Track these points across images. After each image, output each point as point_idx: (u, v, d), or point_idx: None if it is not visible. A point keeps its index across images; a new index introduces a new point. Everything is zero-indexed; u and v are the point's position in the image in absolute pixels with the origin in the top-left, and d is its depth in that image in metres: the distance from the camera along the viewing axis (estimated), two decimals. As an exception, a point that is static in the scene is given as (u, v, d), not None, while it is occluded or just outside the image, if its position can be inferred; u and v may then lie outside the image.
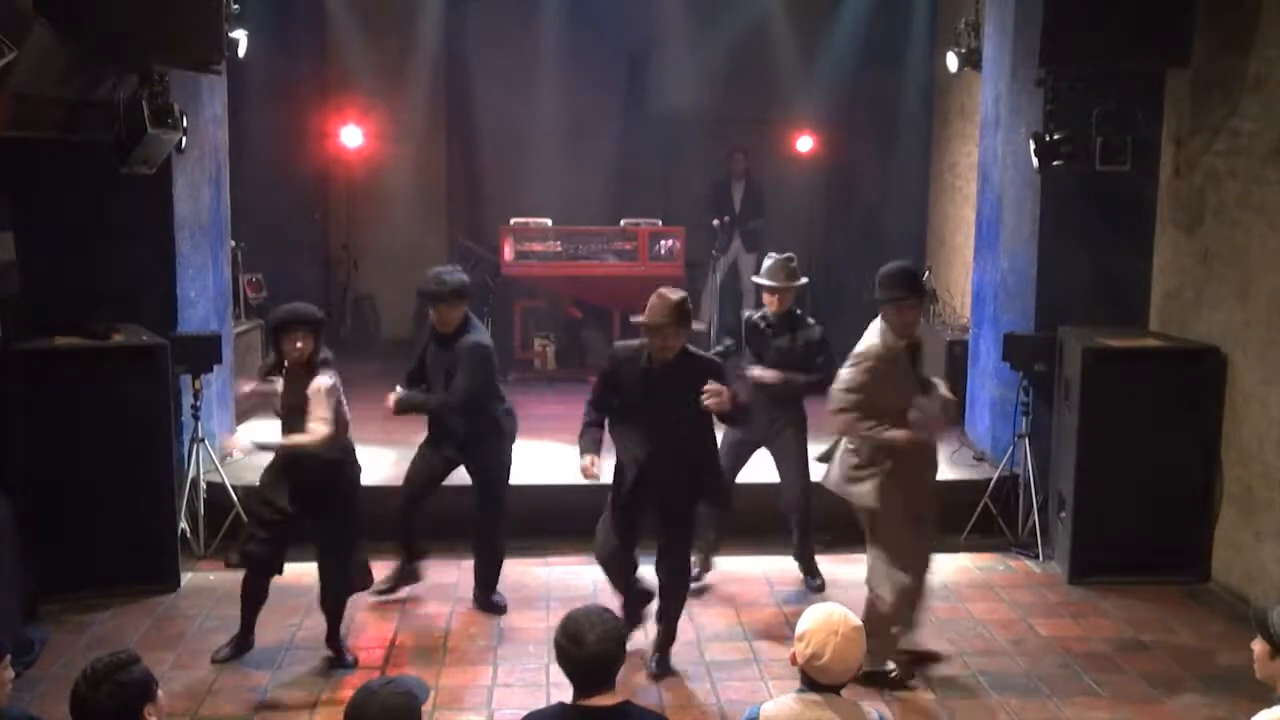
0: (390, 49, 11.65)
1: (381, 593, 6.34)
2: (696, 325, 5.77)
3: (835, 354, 6.05)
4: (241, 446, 5.94)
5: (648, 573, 5.77)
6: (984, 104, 8.47)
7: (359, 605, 6.24)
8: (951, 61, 8.93)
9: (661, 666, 5.70)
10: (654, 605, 5.79)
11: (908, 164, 11.89)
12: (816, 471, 6.20)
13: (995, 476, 7.59)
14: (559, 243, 10.51)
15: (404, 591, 6.56)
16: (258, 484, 5.78)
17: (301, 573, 5.86)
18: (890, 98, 11.89)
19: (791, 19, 11.65)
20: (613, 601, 5.72)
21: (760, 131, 12.08)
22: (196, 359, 7.07)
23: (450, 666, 5.76)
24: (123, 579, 6.47)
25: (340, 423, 5.60)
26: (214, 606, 6.33)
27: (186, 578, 6.75)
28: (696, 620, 6.13)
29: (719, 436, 5.88)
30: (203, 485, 7.09)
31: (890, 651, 5.56)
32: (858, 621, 3.46)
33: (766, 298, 6.52)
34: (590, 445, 5.63)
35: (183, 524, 6.94)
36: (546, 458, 7.82)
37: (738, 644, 6.05)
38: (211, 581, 6.70)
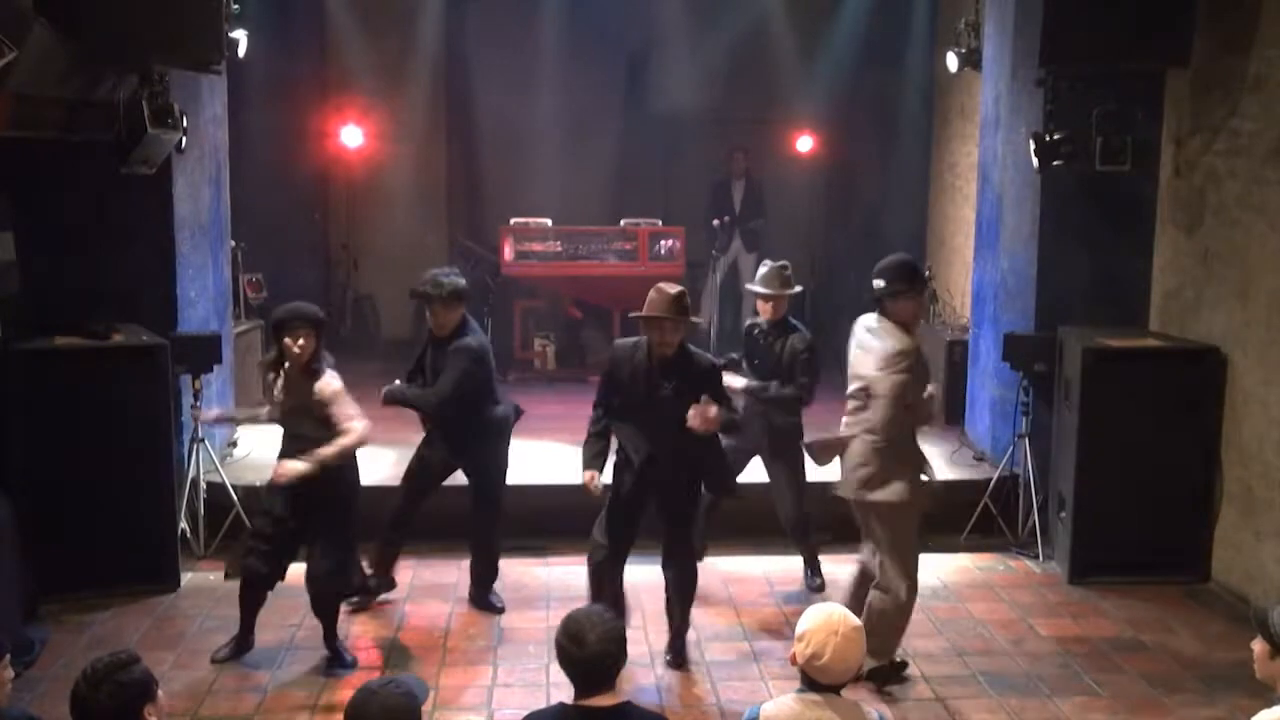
0: (390, 49, 11.65)
1: (355, 604, 6.26)
2: (696, 320, 5.76)
3: (829, 358, 6.02)
4: (208, 416, 6.29)
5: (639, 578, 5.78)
6: (984, 104, 8.47)
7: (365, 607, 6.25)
8: (951, 61, 8.93)
9: (678, 658, 5.76)
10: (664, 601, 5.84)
11: (908, 164, 11.88)
12: (814, 473, 6.22)
13: (995, 476, 7.59)
14: (559, 243, 10.51)
15: (404, 591, 6.57)
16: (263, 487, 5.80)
17: (302, 572, 5.84)
18: (890, 98, 11.88)
19: (791, 19, 11.64)
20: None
21: (760, 131, 12.08)
22: (196, 359, 7.07)
23: (450, 666, 5.77)
24: (123, 579, 6.47)
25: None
26: (214, 606, 6.33)
27: (186, 578, 6.75)
28: (696, 620, 6.12)
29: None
30: (203, 485, 7.09)
31: (894, 649, 5.56)
32: (858, 621, 3.47)
33: (761, 305, 6.50)
34: (592, 459, 5.63)
35: (183, 524, 6.95)
36: (546, 458, 7.82)
37: (738, 644, 6.05)
38: (211, 581, 6.70)
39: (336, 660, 5.68)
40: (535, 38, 11.58)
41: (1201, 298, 7.10)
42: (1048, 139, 6.97)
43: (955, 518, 7.45)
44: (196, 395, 7.04)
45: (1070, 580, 6.92)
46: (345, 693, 4.94)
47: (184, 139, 6.73)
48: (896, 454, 5.38)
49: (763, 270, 6.55)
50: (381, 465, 7.26)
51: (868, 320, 5.50)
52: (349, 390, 5.64)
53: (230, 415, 7.21)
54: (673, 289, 5.43)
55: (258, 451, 7.90)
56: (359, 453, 5.74)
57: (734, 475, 6.10)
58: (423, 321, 6.44)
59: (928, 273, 11.12)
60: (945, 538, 7.37)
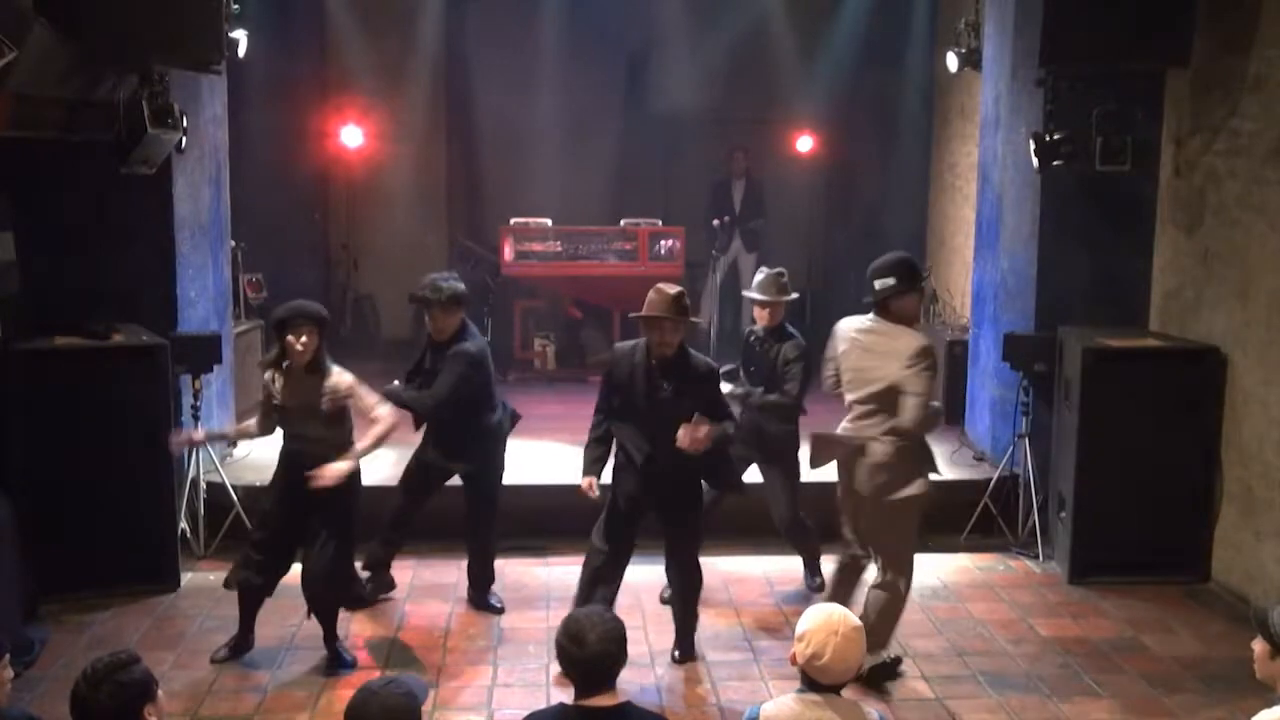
0: (390, 49, 11.65)
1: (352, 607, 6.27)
2: (695, 320, 5.76)
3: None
4: (197, 436, 6.22)
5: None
6: (984, 104, 8.47)
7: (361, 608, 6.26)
8: (951, 61, 8.93)
9: (685, 654, 5.79)
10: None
11: (908, 164, 11.88)
12: (810, 475, 6.21)
13: (995, 476, 7.59)
14: (559, 243, 10.51)
15: (404, 591, 6.57)
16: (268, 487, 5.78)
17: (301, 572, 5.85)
18: (890, 98, 11.88)
19: (791, 19, 11.64)
20: (619, 601, 5.73)
21: (760, 131, 12.07)
22: (196, 359, 7.07)
23: (450, 666, 5.77)
24: (123, 579, 6.48)
25: (348, 423, 5.60)
26: (214, 606, 6.33)
27: (186, 578, 6.75)
28: (697, 620, 6.12)
29: None
30: (203, 485, 7.10)
31: (886, 642, 5.55)
32: (858, 621, 3.46)
33: (757, 312, 6.47)
34: (591, 464, 5.67)
35: (183, 524, 6.95)
36: (546, 458, 7.82)
37: (738, 644, 6.05)
38: (211, 581, 6.69)
39: (336, 660, 5.67)
40: (535, 38, 11.58)
41: (1201, 298, 7.10)
42: (1048, 139, 6.97)
43: (955, 518, 7.45)
44: (196, 396, 7.04)
45: (1070, 580, 6.92)
46: (345, 693, 4.93)
47: (184, 139, 6.73)
48: (915, 452, 5.40)
49: (759, 277, 6.54)
50: (381, 465, 7.26)
51: (860, 322, 5.46)
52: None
53: (221, 433, 7.01)
54: (672, 289, 5.44)
55: (258, 451, 7.89)
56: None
57: (738, 472, 6.11)
58: (423, 322, 6.43)
59: (927, 272, 11.17)
60: (945, 538, 7.37)
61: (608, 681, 3.36)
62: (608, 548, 5.66)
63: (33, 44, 5.56)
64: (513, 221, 10.59)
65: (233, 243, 8.66)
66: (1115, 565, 6.87)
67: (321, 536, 5.54)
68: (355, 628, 6.11)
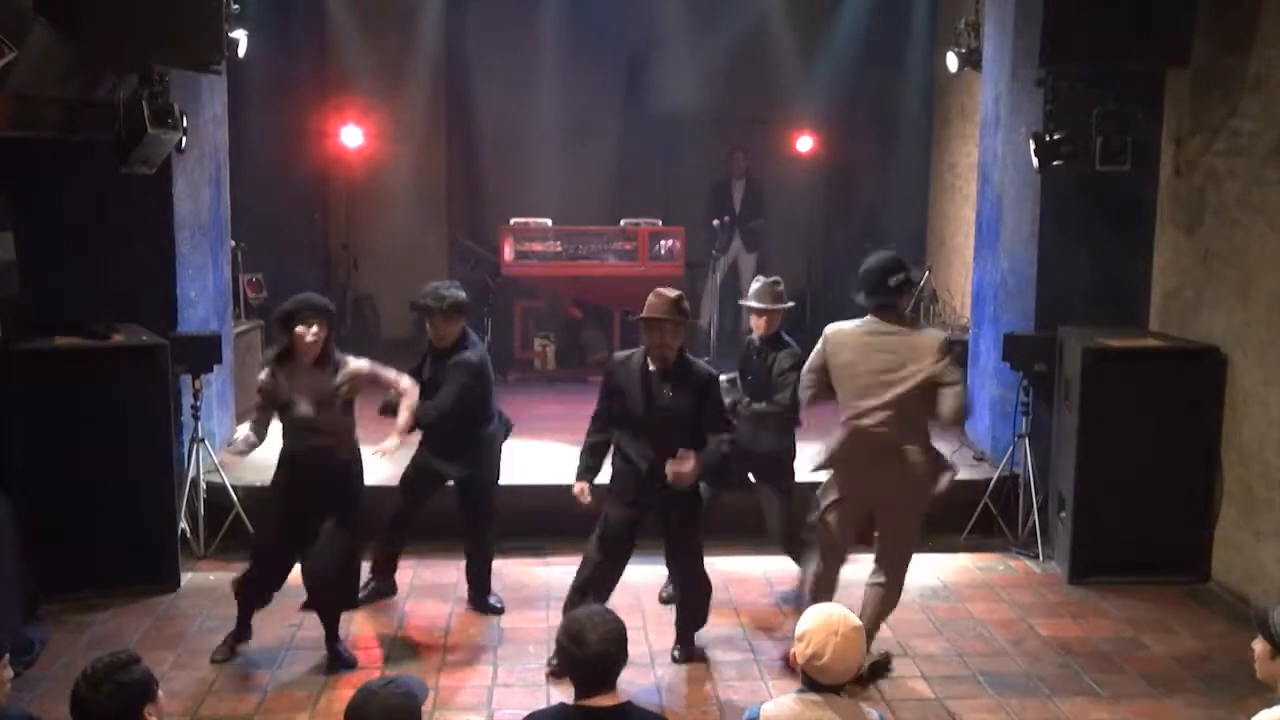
0: (390, 49, 11.65)
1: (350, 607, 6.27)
2: (695, 322, 5.75)
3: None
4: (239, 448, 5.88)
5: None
6: (984, 104, 8.47)
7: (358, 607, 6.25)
8: (951, 61, 8.93)
9: (686, 652, 5.80)
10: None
11: (908, 164, 11.89)
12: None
13: (995, 476, 7.58)
14: (559, 243, 10.51)
15: (404, 591, 6.57)
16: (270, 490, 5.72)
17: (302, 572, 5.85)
18: (890, 98, 11.89)
19: (791, 19, 11.65)
20: (619, 601, 5.72)
21: (760, 131, 12.08)
22: (196, 359, 7.07)
23: (450, 666, 5.77)
24: (123, 579, 6.47)
25: (351, 419, 5.60)
26: (214, 606, 6.33)
27: (186, 578, 6.75)
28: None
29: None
30: (203, 485, 7.09)
31: (871, 640, 5.56)
32: (858, 621, 3.46)
33: (754, 320, 6.43)
34: (585, 470, 5.68)
35: (183, 524, 6.95)
36: (546, 458, 7.81)
37: (738, 644, 6.05)
38: (211, 581, 6.70)
39: (336, 660, 5.67)
40: (535, 38, 11.58)
41: (1201, 298, 7.10)
42: (1048, 139, 6.97)
43: (955, 518, 7.44)
44: (196, 396, 7.03)
45: (1070, 580, 6.92)
46: (345, 693, 4.94)
47: (184, 139, 6.73)
48: (935, 451, 5.46)
49: (755, 285, 6.51)
50: (381, 465, 7.24)
51: (864, 325, 5.37)
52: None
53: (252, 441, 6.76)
54: (671, 292, 5.44)
55: (258, 451, 7.86)
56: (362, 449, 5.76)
57: (739, 471, 6.10)
58: (424, 325, 6.43)
59: (928, 268, 11.19)
60: (945, 538, 7.37)
61: (608, 682, 3.36)
62: (602, 559, 5.65)
63: (33, 44, 5.56)
64: (513, 221, 10.59)
65: (233, 243, 8.67)
66: (1115, 565, 6.87)
67: (327, 535, 5.51)
68: (355, 628, 6.11)
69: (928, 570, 7.03)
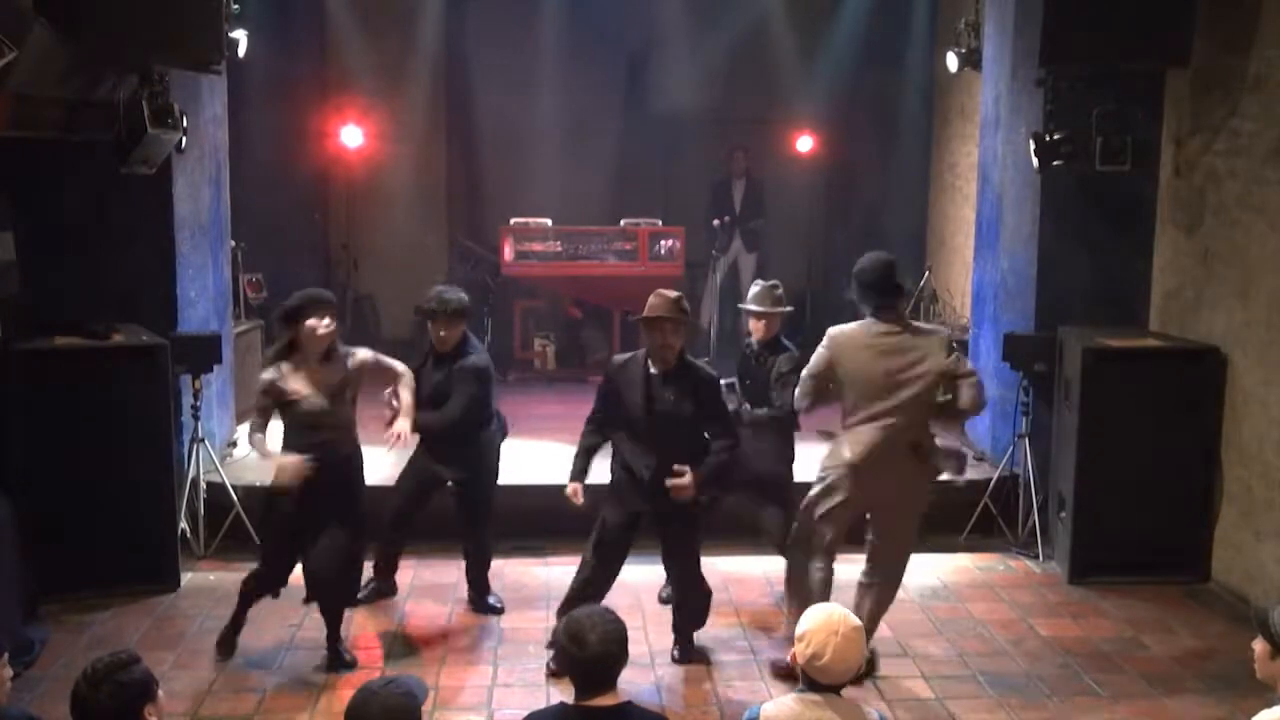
0: (390, 49, 11.65)
1: (357, 601, 6.24)
2: (696, 322, 5.73)
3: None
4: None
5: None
6: (984, 104, 8.47)
7: (358, 605, 6.25)
8: (951, 61, 8.93)
9: (685, 653, 5.79)
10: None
11: (908, 164, 11.89)
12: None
13: (995, 476, 7.58)
14: (559, 243, 10.51)
15: (404, 591, 6.57)
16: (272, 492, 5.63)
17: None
18: (890, 98, 11.89)
19: (791, 19, 11.65)
20: (619, 601, 5.72)
21: (760, 131, 12.08)
22: (196, 359, 7.07)
23: (450, 666, 5.76)
24: (123, 579, 6.47)
25: (354, 413, 5.63)
26: (214, 606, 6.33)
27: (186, 578, 6.75)
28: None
29: None
30: (203, 485, 7.09)
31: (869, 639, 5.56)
32: (858, 621, 3.47)
33: (753, 324, 6.41)
34: (579, 472, 5.63)
35: (183, 524, 6.95)
36: (546, 458, 7.81)
37: (738, 644, 6.05)
38: (211, 581, 6.70)
39: (336, 660, 5.67)
40: (535, 38, 11.58)
41: (1201, 298, 7.10)
42: (1048, 139, 6.97)
43: (955, 518, 7.45)
44: (196, 396, 7.03)
45: (1070, 580, 6.92)
46: (345, 693, 4.94)
47: (184, 139, 6.73)
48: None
49: (754, 289, 6.50)
50: (382, 465, 7.25)
51: (869, 328, 5.33)
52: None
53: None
54: (672, 293, 5.44)
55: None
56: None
57: (740, 474, 6.07)
58: (424, 325, 6.42)
59: (927, 273, 11.19)
60: (945, 538, 7.37)
61: (609, 682, 3.36)
62: (598, 563, 5.65)
63: (33, 44, 5.56)
64: (513, 221, 10.59)
65: (233, 243, 8.67)
66: (1115, 565, 6.87)
67: (331, 531, 5.49)
68: (355, 628, 6.11)
69: (928, 570, 7.03)
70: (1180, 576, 6.90)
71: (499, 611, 6.38)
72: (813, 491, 5.51)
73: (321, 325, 5.41)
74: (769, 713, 3.42)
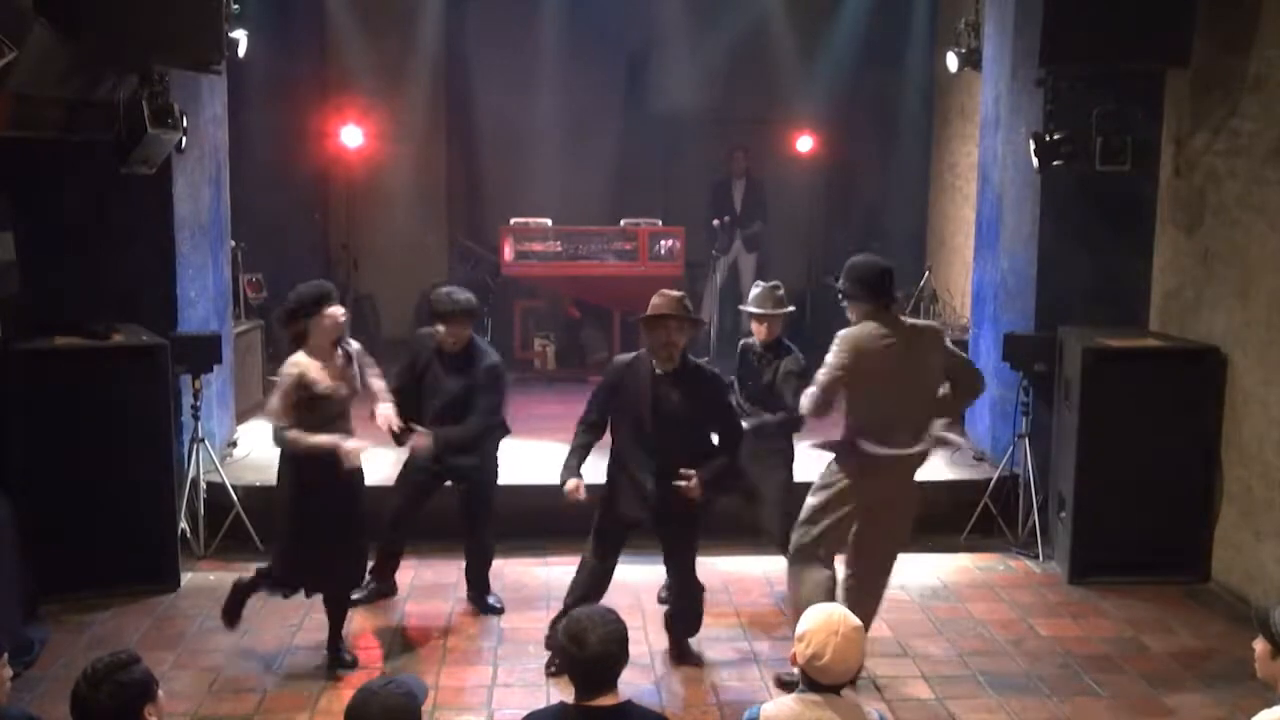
0: (390, 49, 11.65)
1: (356, 601, 6.24)
2: (699, 320, 5.69)
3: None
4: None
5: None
6: (984, 104, 8.47)
7: (358, 605, 6.26)
8: (951, 61, 8.94)
9: (681, 654, 5.79)
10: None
11: (908, 164, 11.89)
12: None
13: (995, 476, 7.58)
14: (559, 243, 10.51)
15: (404, 591, 6.57)
16: (284, 496, 5.54)
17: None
18: (890, 98, 11.89)
19: (791, 19, 11.65)
20: (619, 601, 5.72)
21: (760, 131, 12.08)
22: (196, 359, 7.07)
23: (450, 666, 5.77)
24: (123, 579, 6.47)
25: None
26: (214, 606, 6.30)
27: (186, 578, 6.75)
28: (696, 620, 6.13)
29: None
30: (203, 485, 7.09)
31: None
32: (858, 622, 3.46)
33: (755, 326, 6.40)
34: (575, 470, 5.52)
35: (183, 524, 6.95)
36: (546, 458, 7.79)
37: (738, 644, 6.05)
38: (211, 581, 6.70)
39: (337, 660, 5.67)
40: (535, 38, 11.59)
41: (1201, 298, 7.10)
42: (1048, 139, 6.97)
43: (955, 518, 7.46)
44: (196, 396, 7.03)
45: (1070, 580, 6.92)
46: (345, 693, 4.95)
47: (184, 139, 6.73)
48: None
49: (755, 291, 6.49)
50: (381, 465, 7.25)
51: (879, 329, 5.24)
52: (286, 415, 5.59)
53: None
54: (675, 293, 5.44)
55: (258, 451, 7.90)
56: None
57: (741, 476, 6.07)
58: (422, 324, 6.42)
59: (927, 273, 11.19)
60: (945, 538, 7.38)
61: (609, 682, 3.36)
62: (597, 563, 5.63)
63: (33, 44, 5.56)
64: (513, 221, 10.59)
65: (233, 243, 8.67)
66: (1115, 565, 6.87)
67: (343, 523, 5.49)
68: (355, 628, 6.11)
69: (928, 570, 7.03)
70: (1180, 576, 6.89)
71: (499, 611, 6.39)
72: (816, 500, 5.44)
73: (340, 314, 5.47)
74: (769, 713, 3.42)
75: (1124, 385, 6.84)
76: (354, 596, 6.05)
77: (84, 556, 6.36)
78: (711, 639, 6.04)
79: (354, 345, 5.66)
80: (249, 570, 5.83)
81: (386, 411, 5.75)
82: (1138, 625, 6.34)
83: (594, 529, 5.66)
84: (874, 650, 5.59)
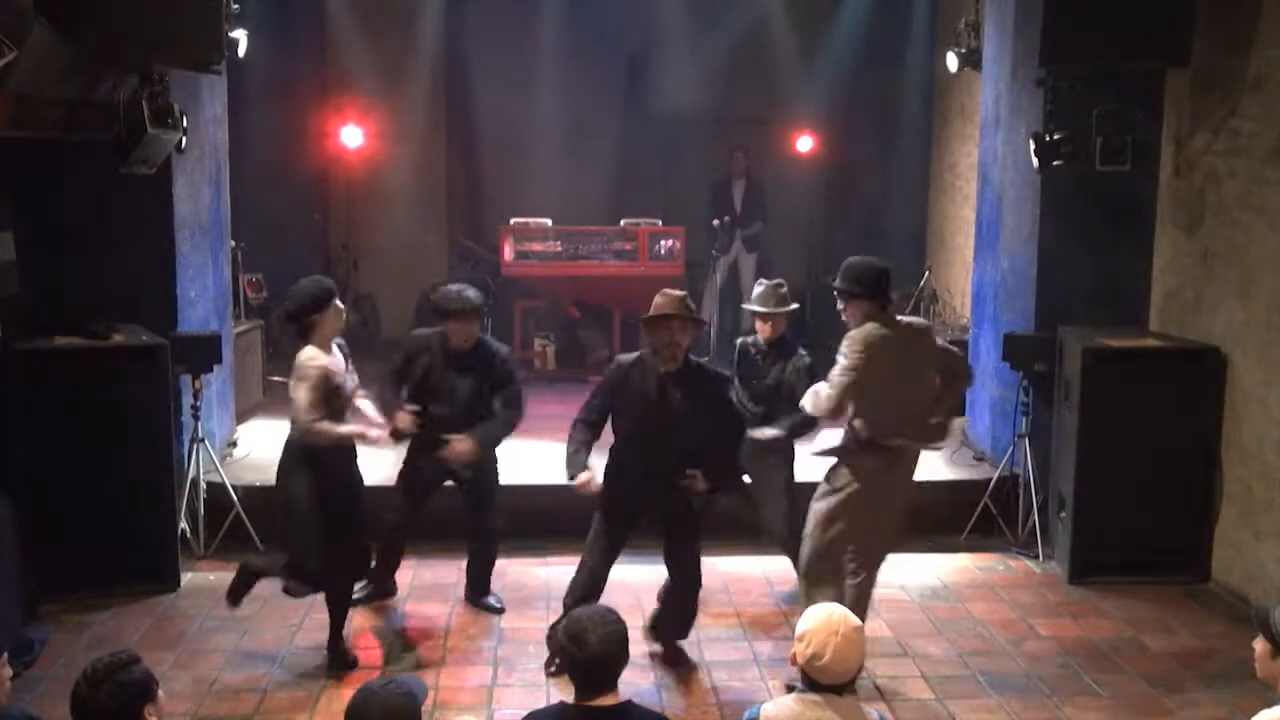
0: (390, 49, 11.65)
1: (357, 601, 6.24)
2: (701, 320, 5.69)
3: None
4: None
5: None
6: (984, 104, 8.47)
7: (358, 605, 6.26)
8: (951, 61, 8.94)
9: (675, 653, 5.78)
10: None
11: (908, 164, 11.89)
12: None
13: (995, 476, 7.58)
14: (559, 243, 10.51)
15: (404, 591, 6.57)
16: (300, 494, 5.48)
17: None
18: (890, 98, 11.89)
19: (791, 19, 11.65)
20: (619, 601, 5.72)
21: (760, 131, 12.08)
22: (196, 359, 7.07)
23: (450, 666, 5.77)
24: (123, 579, 6.47)
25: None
26: (214, 606, 6.33)
27: (186, 578, 6.75)
28: (697, 620, 6.12)
29: None
30: (203, 485, 7.09)
31: None
32: (858, 621, 3.47)
33: (759, 325, 6.40)
34: (580, 464, 5.45)
35: (183, 524, 6.95)
36: (546, 458, 7.80)
37: (738, 644, 6.05)
38: (211, 581, 6.70)
39: (337, 660, 5.67)
40: (535, 38, 11.59)
41: (1201, 298, 7.10)
42: (1048, 139, 6.97)
43: (955, 518, 7.46)
44: (196, 396, 7.03)
45: (1070, 580, 6.92)
46: (345, 693, 4.95)
47: (184, 139, 6.73)
48: None
49: (758, 289, 6.48)
50: (382, 465, 7.24)
51: (879, 328, 5.24)
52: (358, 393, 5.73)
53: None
54: (678, 292, 5.43)
55: (258, 451, 7.90)
56: (358, 451, 5.74)
57: (739, 476, 6.07)
58: (422, 323, 6.42)
59: (927, 273, 11.20)
60: (945, 538, 7.38)
61: (609, 682, 3.36)
62: (597, 563, 5.62)
63: (33, 44, 5.56)
64: (513, 221, 10.59)
65: (233, 243, 8.67)
66: (1115, 565, 6.87)
67: (340, 526, 5.49)
68: (355, 628, 6.11)
69: (928, 570, 7.04)
70: (1180, 576, 6.89)
71: (499, 611, 6.38)
72: (825, 505, 5.41)
73: (343, 307, 5.51)
74: (769, 713, 3.42)
75: (1124, 385, 6.84)
76: (354, 596, 6.06)
77: (84, 556, 6.36)
78: (711, 639, 6.05)
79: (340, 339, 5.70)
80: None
81: (463, 450, 5.87)
82: (1138, 625, 6.34)
83: (594, 529, 5.65)
84: (874, 650, 5.60)
